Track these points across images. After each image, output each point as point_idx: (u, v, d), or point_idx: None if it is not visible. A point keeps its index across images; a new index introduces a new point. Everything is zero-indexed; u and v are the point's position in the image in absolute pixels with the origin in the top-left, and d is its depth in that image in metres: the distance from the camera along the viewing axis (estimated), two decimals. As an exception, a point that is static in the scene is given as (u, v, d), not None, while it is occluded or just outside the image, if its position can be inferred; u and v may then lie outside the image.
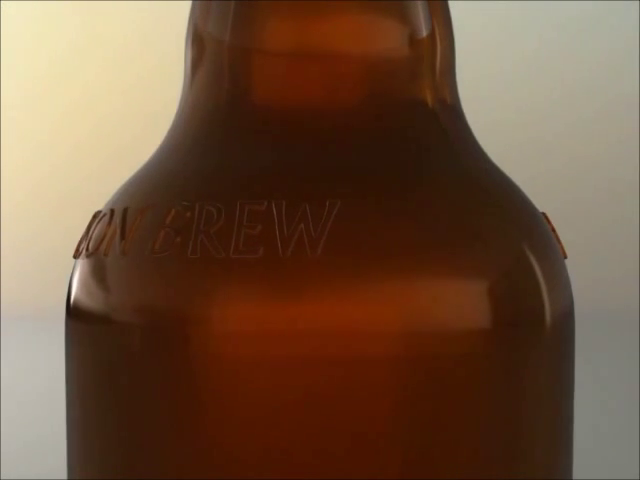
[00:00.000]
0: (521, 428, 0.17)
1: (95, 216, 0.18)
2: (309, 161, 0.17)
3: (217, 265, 0.16)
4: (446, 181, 0.17)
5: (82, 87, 2.50)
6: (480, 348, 0.16)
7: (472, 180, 0.17)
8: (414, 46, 0.18)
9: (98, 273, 0.17)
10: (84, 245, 0.18)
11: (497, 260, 0.16)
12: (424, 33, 0.18)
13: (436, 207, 0.16)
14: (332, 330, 0.15)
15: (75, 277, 0.18)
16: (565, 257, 0.19)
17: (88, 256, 0.18)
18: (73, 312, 0.18)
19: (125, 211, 0.17)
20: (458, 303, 0.16)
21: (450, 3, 2.10)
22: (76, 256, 0.18)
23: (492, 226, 0.17)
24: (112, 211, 0.18)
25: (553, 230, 0.19)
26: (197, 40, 0.18)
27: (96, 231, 0.18)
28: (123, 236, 0.17)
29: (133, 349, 0.16)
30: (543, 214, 0.19)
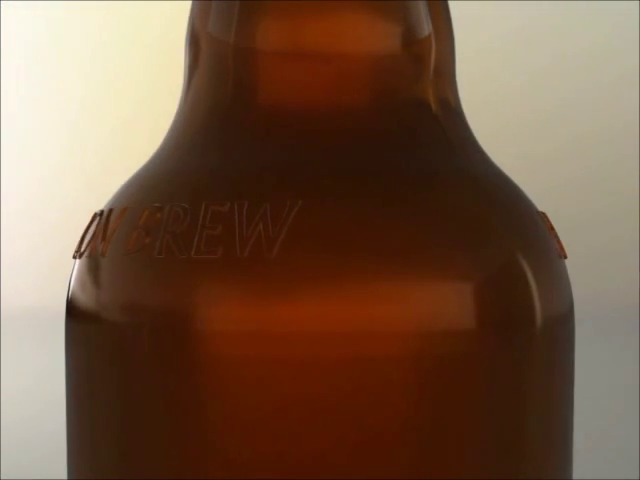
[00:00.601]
0: (521, 428, 0.16)
1: (93, 217, 0.19)
2: (277, 162, 0.17)
3: (179, 265, 0.16)
4: (431, 180, 0.17)
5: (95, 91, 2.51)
6: (464, 348, 0.16)
7: (464, 180, 0.17)
8: (414, 46, 0.18)
9: (86, 273, 0.18)
10: (79, 246, 0.19)
11: (484, 261, 0.16)
12: (424, 33, 0.18)
13: (409, 205, 0.16)
14: (282, 331, 0.15)
15: (72, 277, 0.19)
16: (565, 257, 0.19)
17: (80, 256, 0.18)
18: (67, 311, 0.18)
19: (109, 212, 0.18)
20: (409, 304, 0.15)
21: (450, 3, 2.10)
22: (74, 256, 0.19)
23: (479, 226, 0.16)
24: (102, 212, 0.18)
25: (553, 230, 0.19)
26: (194, 40, 0.18)
27: (89, 232, 0.19)
28: (104, 237, 0.17)
29: (113, 348, 0.17)
30: (543, 214, 0.19)
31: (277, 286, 0.15)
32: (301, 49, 0.17)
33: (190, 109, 0.18)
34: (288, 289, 0.15)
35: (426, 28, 0.18)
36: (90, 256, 0.18)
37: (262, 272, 0.15)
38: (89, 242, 0.18)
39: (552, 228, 0.19)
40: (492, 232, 0.17)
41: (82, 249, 0.18)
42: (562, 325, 0.17)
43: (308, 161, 0.16)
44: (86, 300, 0.17)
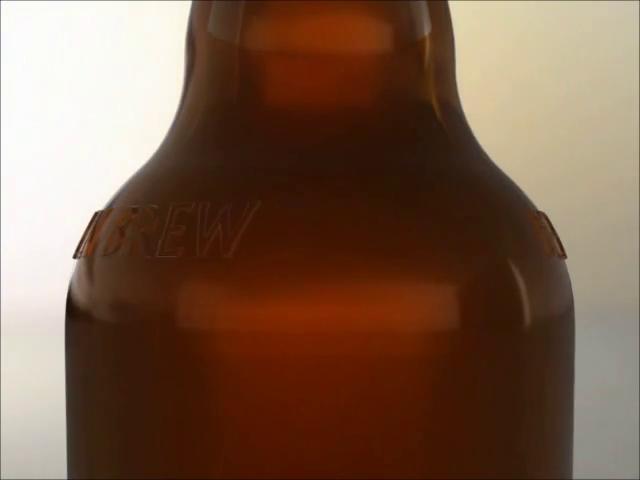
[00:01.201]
0: (519, 427, 0.16)
1: (92, 218, 0.19)
2: (249, 164, 0.17)
3: (144, 266, 0.16)
4: (417, 179, 0.16)
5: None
6: (453, 348, 0.15)
7: (456, 181, 0.17)
8: (414, 46, 0.18)
9: (78, 273, 0.18)
10: (78, 246, 0.19)
11: (469, 262, 0.16)
12: (424, 33, 0.18)
13: (387, 204, 0.16)
14: (239, 330, 0.15)
15: (71, 277, 0.19)
16: (565, 257, 0.19)
17: (77, 257, 0.19)
18: (65, 310, 0.19)
19: (101, 213, 0.18)
20: (389, 305, 0.15)
21: (450, 3, 2.10)
22: (74, 256, 0.19)
23: (467, 227, 0.16)
24: (95, 214, 0.19)
25: (552, 230, 0.19)
26: (194, 41, 0.19)
27: (87, 232, 0.19)
28: (91, 238, 0.18)
29: (100, 347, 0.17)
30: (543, 214, 0.19)
31: (233, 286, 0.15)
32: (300, 49, 0.17)
33: (186, 111, 0.18)
34: (244, 289, 0.15)
35: (426, 28, 0.18)
36: (83, 256, 0.18)
37: (219, 272, 0.15)
38: (83, 242, 0.19)
39: (552, 228, 0.19)
40: (481, 233, 0.16)
41: (80, 249, 0.19)
42: (559, 324, 0.17)
43: (287, 162, 0.16)
44: (77, 299, 0.18)
